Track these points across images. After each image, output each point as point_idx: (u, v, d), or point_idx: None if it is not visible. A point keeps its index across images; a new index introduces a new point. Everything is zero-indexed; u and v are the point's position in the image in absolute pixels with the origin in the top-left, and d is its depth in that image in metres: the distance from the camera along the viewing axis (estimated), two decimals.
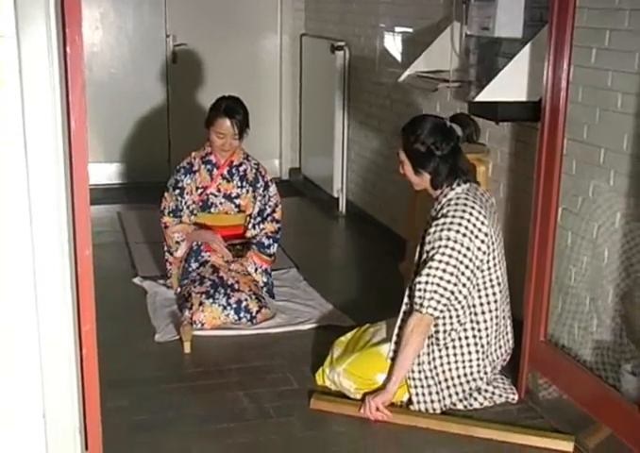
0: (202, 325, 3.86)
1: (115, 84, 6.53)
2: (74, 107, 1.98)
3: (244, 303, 3.92)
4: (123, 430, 2.97)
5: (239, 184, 4.23)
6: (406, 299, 3.17)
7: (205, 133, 4.25)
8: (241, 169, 4.26)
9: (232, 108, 4.11)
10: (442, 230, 3.00)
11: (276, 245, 4.32)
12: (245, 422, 3.10)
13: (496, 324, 3.16)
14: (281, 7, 6.75)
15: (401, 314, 3.17)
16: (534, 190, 3.12)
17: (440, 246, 2.99)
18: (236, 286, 4.00)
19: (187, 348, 3.66)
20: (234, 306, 3.91)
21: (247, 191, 4.24)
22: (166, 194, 4.24)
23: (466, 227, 2.99)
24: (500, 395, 3.23)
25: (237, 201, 4.23)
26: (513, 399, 3.24)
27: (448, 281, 2.98)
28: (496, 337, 3.17)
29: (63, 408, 1.90)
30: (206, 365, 3.57)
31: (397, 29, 5.01)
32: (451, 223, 3.00)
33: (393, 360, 3.12)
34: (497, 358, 3.21)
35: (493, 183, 3.91)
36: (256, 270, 4.27)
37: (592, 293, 3.19)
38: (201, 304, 3.90)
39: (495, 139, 3.92)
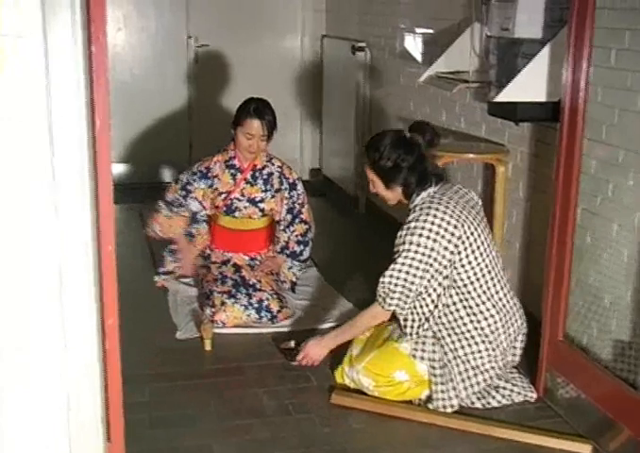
0: (223, 324, 3.90)
1: (137, 85, 6.58)
2: (98, 106, 2.01)
3: (265, 302, 3.95)
4: (143, 426, 3.01)
5: (263, 188, 4.24)
6: None
7: (226, 134, 4.28)
8: (264, 172, 4.27)
9: (262, 108, 4.12)
10: (406, 235, 3.10)
11: (308, 249, 4.35)
12: (265, 418, 3.13)
13: (498, 312, 3.17)
14: (303, 8, 6.78)
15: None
16: (553, 190, 3.13)
17: (404, 250, 3.09)
18: (258, 285, 4.04)
19: (207, 346, 3.70)
20: (255, 305, 3.94)
21: (272, 195, 4.26)
22: (173, 186, 4.30)
23: (430, 230, 3.07)
24: (519, 393, 3.24)
25: (261, 205, 4.25)
26: (532, 398, 3.25)
27: (412, 283, 3.09)
28: (503, 325, 3.19)
29: (87, 400, 1.94)
30: (226, 362, 3.60)
31: (418, 30, 5.03)
32: (415, 227, 3.09)
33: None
34: (507, 345, 3.22)
35: (512, 183, 3.92)
36: (290, 268, 4.31)
37: (611, 292, 3.19)
38: (223, 304, 3.93)
39: (514, 139, 3.93)
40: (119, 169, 6.42)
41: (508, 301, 3.23)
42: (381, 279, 3.14)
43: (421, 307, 3.15)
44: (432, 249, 3.07)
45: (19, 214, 1.90)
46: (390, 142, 3.17)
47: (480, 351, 3.17)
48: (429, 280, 3.10)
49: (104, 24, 1.95)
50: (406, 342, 3.22)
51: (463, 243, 3.10)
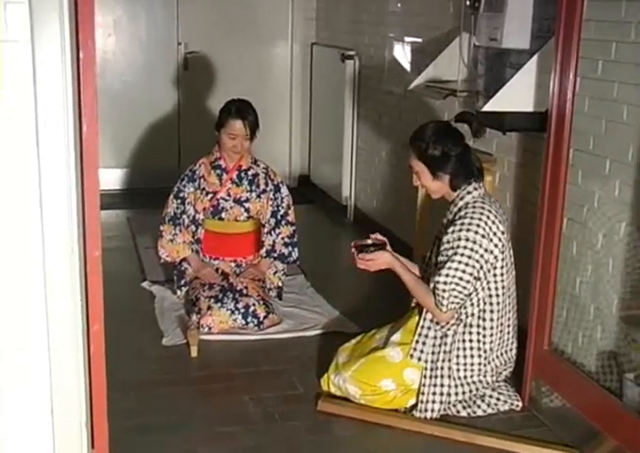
0: (209, 328, 3.90)
1: (127, 90, 6.57)
2: (86, 111, 2.02)
3: (251, 308, 3.95)
4: (129, 432, 2.99)
5: (248, 188, 4.29)
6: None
7: (215, 141, 4.29)
8: (250, 173, 4.32)
9: (243, 108, 4.18)
10: (461, 230, 3.07)
11: (296, 249, 4.37)
12: (251, 426, 3.13)
13: (500, 331, 3.19)
14: (292, 16, 6.80)
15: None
16: (540, 199, 3.14)
17: (459, 246, 3.06)
18: (244, 291, 4.04)
19: (194, 352, 3.69)
20: (242, 310, 3.94)
21: (258, 196, 4.29)
22: (169, 200, 4.30)
23: (484, 229, 3.06)
24: (505, 402, 3.24)
25: (246, 205, 4.29)
26: (518, 406, 3.25)
27: (468, 281, 3.06)
28: (499, 344, 3.20)
29: (71, 406, 1.93)
30: (212, 369, 3.60)
31: (407, 39, 5.05)
32: (470, 224, 3.07)
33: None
34: (499, 365, 3.23)
35: (499, 192, 3.93)
36: (275, 273, 4.32)
37: (596, 302, 3.21)
38: (209, 308, 3.94)
39: (501, 148, 3.94)
40: (107, 175, 6.40)
41: (508, 325, 3.23)
42: (437, 278, 3.08)
43: (464, 307, 3.13)
44: (486, 250, 3.07)
45: (4, 219, 1.90)
46: (436, 131, 3.15)
47: (472, 364, 3.17)
48: (479, 278, 3.09)
49: (92, 29, 1.95)
50: (393, 349, 3.22)
51: (504, 252, 3.12)
